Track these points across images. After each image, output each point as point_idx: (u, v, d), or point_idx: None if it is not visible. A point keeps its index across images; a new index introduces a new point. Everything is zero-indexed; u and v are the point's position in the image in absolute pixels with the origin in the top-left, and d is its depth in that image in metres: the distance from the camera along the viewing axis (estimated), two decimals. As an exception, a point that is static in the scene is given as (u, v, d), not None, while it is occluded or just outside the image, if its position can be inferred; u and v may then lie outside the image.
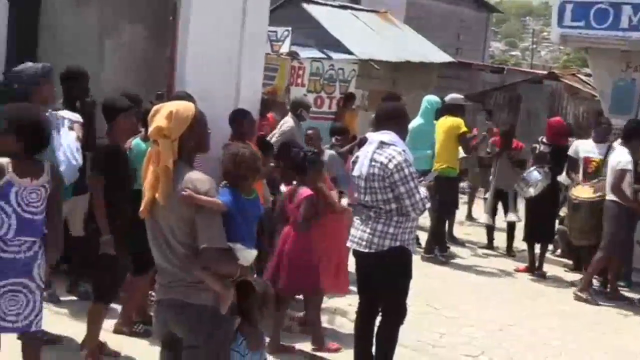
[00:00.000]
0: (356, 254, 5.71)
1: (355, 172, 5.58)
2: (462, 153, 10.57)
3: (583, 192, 9.47)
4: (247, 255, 3.94)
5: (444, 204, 10.16)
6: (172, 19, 7.30)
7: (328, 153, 8.45)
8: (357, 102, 13.98)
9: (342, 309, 7.62)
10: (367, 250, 5.50)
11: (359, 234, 5.57)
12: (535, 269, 10.29)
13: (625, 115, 10.22)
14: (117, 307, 6.55)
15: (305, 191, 6.49)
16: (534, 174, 9.95)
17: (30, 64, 5.91)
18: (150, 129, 3.86)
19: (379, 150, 5.43)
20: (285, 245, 6.48)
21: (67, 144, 6.07)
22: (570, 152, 9.95)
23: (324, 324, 7.26)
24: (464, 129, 10.18)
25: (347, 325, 7.01)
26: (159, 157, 3.80)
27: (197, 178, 3.80)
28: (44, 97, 5.82)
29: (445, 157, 10.11)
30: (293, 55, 14.97)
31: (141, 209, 3.90)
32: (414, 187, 5.35)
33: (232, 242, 3.86)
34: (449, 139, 10.12)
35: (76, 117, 6.42)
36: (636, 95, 10.63)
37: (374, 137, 5.58)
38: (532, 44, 43.77)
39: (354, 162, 5.75)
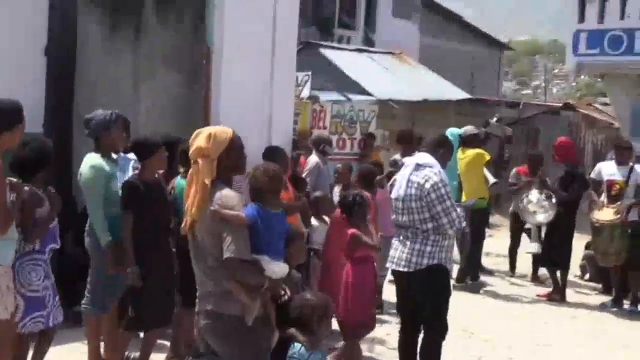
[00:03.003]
0: (396, 274, 5.91)
1: (393, 194, 5.81)
2: (491, 180, 10.42)
3: (604, 214, 9.62)
4: (275, 267, 4.04)
5: (474, 234, 10.31)
6: (206, 63, 7.59)
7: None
8: (378, 141, 14.19)
9: (380, 338, 7.76)
10: (406, 270, 5.70)
11: (397, 254, 5.77)
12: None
13: (646, 137, 10.41)
14: (166, 343, 6.74)
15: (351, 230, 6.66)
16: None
17: (100, 111, 6.28)
18: (190, 151, 4.11)
19: (415, 172, 5.66)
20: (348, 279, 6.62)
21: None
22: (593, 174, 10.11)
23: (365, 353, 7.41)
24: (487, 157, 10.31)
25: (386, 354, 7.16)
26: (198, 176, 4.04)
27: (226, 194, 4.02)
28: (112, 142, 6.22)
29: (474, 189, 10.21)
30: (314, 98, 15.21)
31: (182, 225, 4.14)
32: (450, 205, 5.57)
33: (259, 255, 3.99)
34: (473, 171, 10.22)
35: None
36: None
37: (410, 160, 5.83)
38: (544, 81, 43.97)
39: (392, 185, 5.99)
